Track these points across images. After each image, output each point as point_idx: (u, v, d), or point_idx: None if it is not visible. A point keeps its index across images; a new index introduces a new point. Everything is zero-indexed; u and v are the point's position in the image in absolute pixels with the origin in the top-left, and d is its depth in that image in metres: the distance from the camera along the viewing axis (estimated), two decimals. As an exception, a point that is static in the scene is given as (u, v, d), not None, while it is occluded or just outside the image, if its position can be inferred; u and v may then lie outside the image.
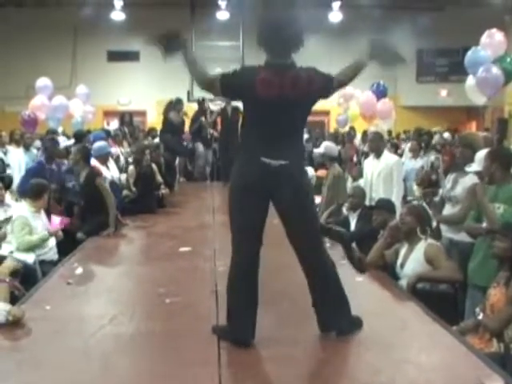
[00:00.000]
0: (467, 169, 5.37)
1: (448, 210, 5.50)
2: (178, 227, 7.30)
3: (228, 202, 3.58)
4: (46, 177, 7.43)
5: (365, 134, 12.26)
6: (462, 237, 5.18)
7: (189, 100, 15.32)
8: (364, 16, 17.72)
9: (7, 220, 6.08)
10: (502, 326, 3.75)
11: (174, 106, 11.12)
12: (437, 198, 6.77)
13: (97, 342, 3.52)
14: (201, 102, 12.58)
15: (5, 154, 10.33)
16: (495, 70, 10.03)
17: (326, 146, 7.71)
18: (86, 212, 6.99)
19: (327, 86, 3.52)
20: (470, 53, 10.58)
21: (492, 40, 10.46)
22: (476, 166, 5.24)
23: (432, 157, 10.04)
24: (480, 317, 3.95)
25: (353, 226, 6.43)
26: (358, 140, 14.26)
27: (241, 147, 3.62)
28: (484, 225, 4.58)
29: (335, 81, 3.53)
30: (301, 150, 3.73)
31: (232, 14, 18.07)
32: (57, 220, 6.60)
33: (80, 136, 9.55)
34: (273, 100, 3.34)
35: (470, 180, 5.24)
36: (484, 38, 10.49)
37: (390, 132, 14.32)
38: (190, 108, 13.11)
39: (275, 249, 5.89)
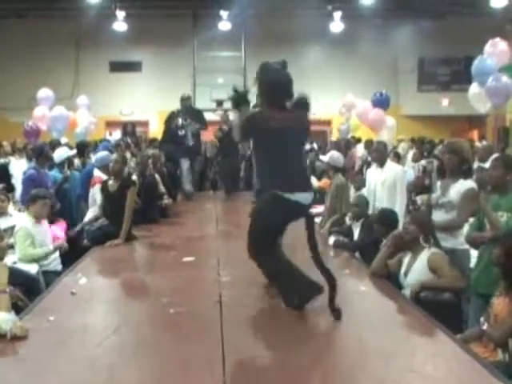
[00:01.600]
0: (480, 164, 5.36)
1: (439, 216, 5.29)
2: (181, 237, 7.30)
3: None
4: (44, 181, 7.46)
5: (369, 143, 12.10)
6: (455, 244, 5.16)
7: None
8: (365, 26, 17.78)
9: (11, 229, 6.10)
10: (506, 337, 3.74)
11: (177, 116, 11.12)
12: (423, 206, 6.66)
13: (101, 352, 3.52)
14: (185, 99, 11.08)
15: (7, 164, 10.38)
16: (505, 79, 10.08)
17: (332, 156, 7.62)
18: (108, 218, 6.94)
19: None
20: (476, 62, 10.60)
21: (495, 49, 10.51)
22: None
23: (423, 161, 9.93)
24: (484, 327, 3.94)
25: (356, 236, 6.44)
26: (358, 149, 14.14)
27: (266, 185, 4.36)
28: (488, 233, 4.57)
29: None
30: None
31: (234, 25, 18.11)
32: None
33: (82, 146, 9.57)
34: (283, 130, 4.20)
35: (462, 186, 5.19)
36: (488, 47, 10.53)
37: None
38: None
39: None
